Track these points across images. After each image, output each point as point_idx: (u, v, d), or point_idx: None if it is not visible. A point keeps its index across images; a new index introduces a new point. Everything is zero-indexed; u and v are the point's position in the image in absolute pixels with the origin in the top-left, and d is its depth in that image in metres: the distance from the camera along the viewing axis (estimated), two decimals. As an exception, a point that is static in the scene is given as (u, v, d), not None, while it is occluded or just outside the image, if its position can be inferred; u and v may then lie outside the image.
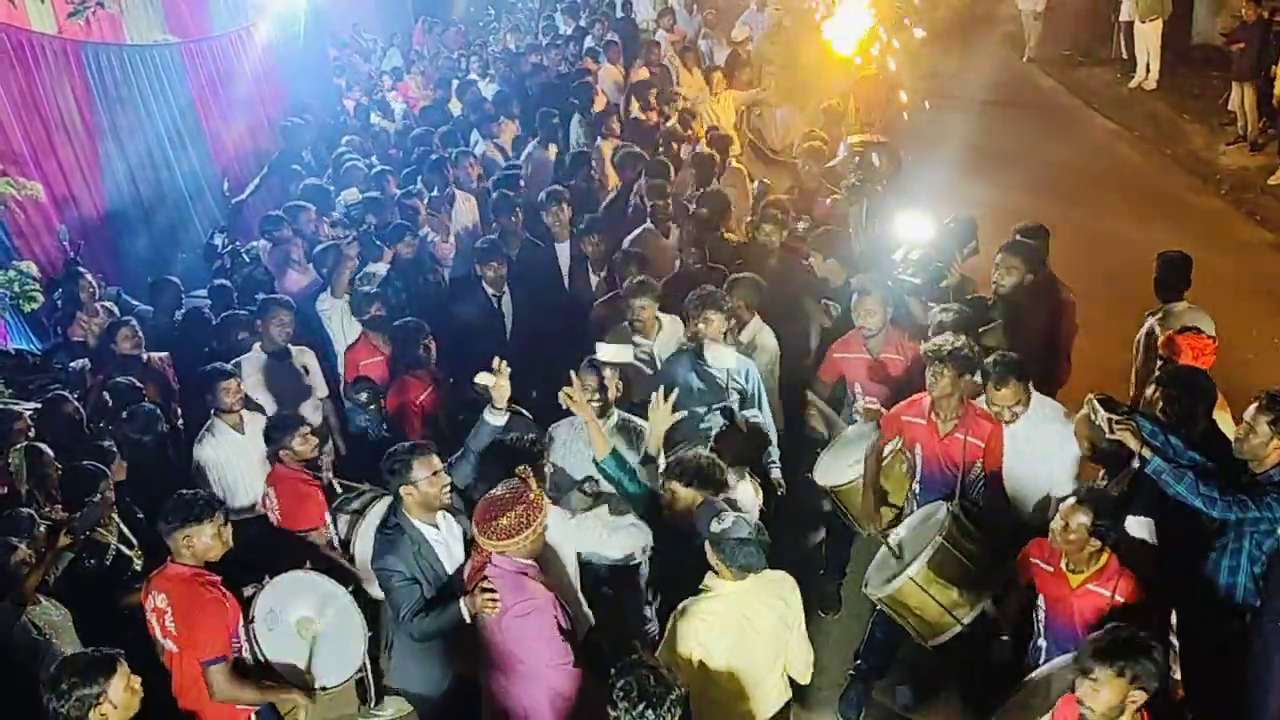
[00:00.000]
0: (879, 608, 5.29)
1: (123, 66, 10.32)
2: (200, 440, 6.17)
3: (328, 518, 5.70)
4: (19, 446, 5.71)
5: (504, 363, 5.00)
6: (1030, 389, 5.35)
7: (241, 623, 4.65)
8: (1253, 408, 4.53)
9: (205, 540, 4.55)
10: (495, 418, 4.99)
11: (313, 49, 14.07)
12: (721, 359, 5.80)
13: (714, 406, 5.89)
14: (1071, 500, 4.43)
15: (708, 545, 4.15)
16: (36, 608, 4.63)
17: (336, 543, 5.64)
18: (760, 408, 6.04)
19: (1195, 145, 13.69)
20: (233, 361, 6.66)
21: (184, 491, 4.68)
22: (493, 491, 4.32)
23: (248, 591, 4.78)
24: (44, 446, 5.70)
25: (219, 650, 4.47)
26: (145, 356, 7.15)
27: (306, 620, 4.81)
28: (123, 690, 3.81)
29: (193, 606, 4.47)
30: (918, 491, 5.56)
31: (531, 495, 4.29)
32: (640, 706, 3.40)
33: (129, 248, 9.89)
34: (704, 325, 5.93)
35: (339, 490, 5.82)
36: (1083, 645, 3.87)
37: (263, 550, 5.45)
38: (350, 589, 5.07)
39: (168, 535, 4.55)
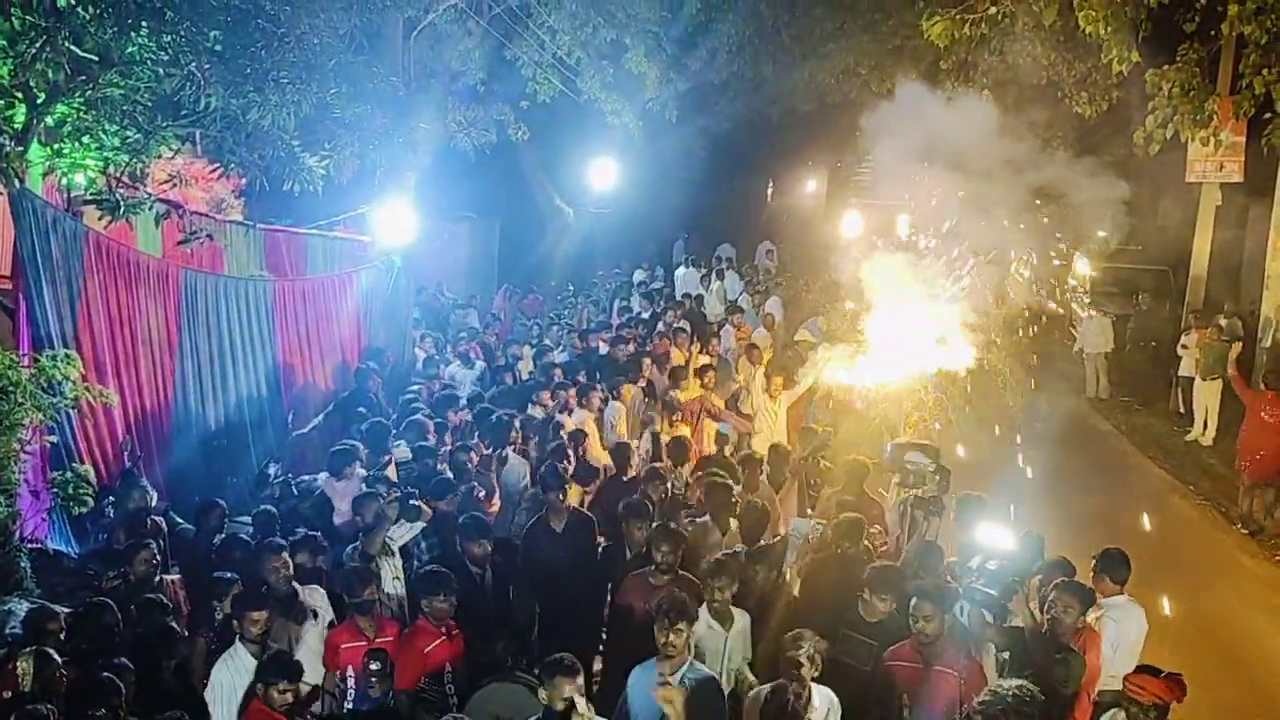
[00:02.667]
0: None
1: (215, 294, 10.83)
2: (221, 662, 6.19)
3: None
4: (28, 651, 5.71)
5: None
6: None
7: None
8: None
9: None
10: None
11: (399, 301, 14.68)
12: None
13: None
14: None
15: None
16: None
17: None
18: None
19: (1249, 506, 13.58)
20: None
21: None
22: None
23: None
24: (53, 653, 5.69)
25: None
26: (159, 578, 7.22)
27: None
28: None
29: None
30: None
31: None
32: None
33: (185, 466, 10.08)
34: None
35: None
36: None
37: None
38: None
39: None
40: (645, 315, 17.63)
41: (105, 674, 5.45)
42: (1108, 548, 7.30)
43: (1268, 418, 12.58)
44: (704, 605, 6.57)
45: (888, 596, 6.56)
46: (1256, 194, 19.04)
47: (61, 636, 6.01)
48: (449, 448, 9.83)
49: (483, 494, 8.96)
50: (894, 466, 8.98)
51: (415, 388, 12.42)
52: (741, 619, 6.76)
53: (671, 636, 5.80)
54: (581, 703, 5.20)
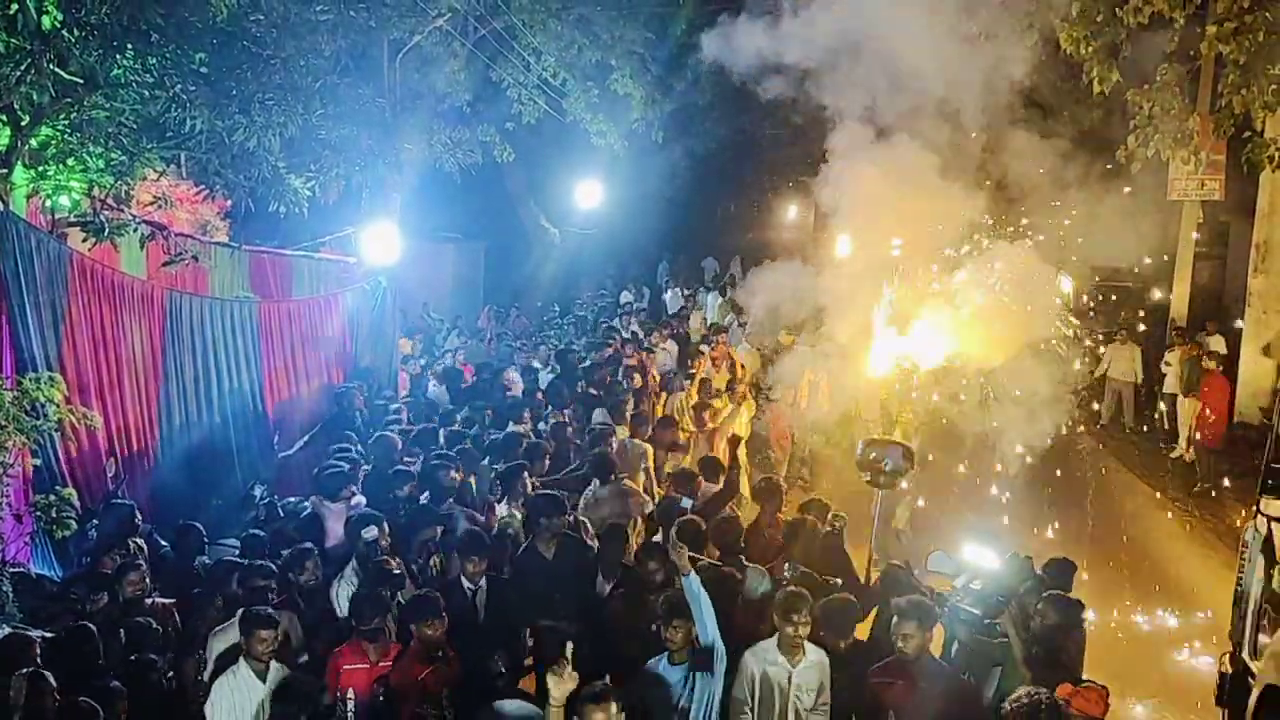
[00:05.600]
0: None
1: (200, 315, 10.80)
2: (222, 678, 6.16)
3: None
4: (23, 672, 5.67)
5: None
6: None
7: None
8: None
9: None
10: None
11: (385, 322, 14.66)
12: None
13: None
14: None
15: None
16: None
17: None
18: None
19: (1233, 521, 13.65)
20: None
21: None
22: None
23: None
24: (49, 676, 5.66)
25: None
26: (150, 601, 7.17)
27: None
28: None
29: None
30: None
31: None
32: None
33: (169, 488, 10.03)
34: None
35: None
36: None
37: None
38: None
39: None
40: (627, 335, 17.76)
41: (89, 699, 5.41)
42: (1053, 557, 7.57)
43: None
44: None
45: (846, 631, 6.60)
46: (1238, 211, 19.20)
47: (38, 661, 5.94)
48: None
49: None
50: (864, 465, 8.77)
51: (396, 407, 12.39)
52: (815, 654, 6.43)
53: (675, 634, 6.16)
54: None
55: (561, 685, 5.02)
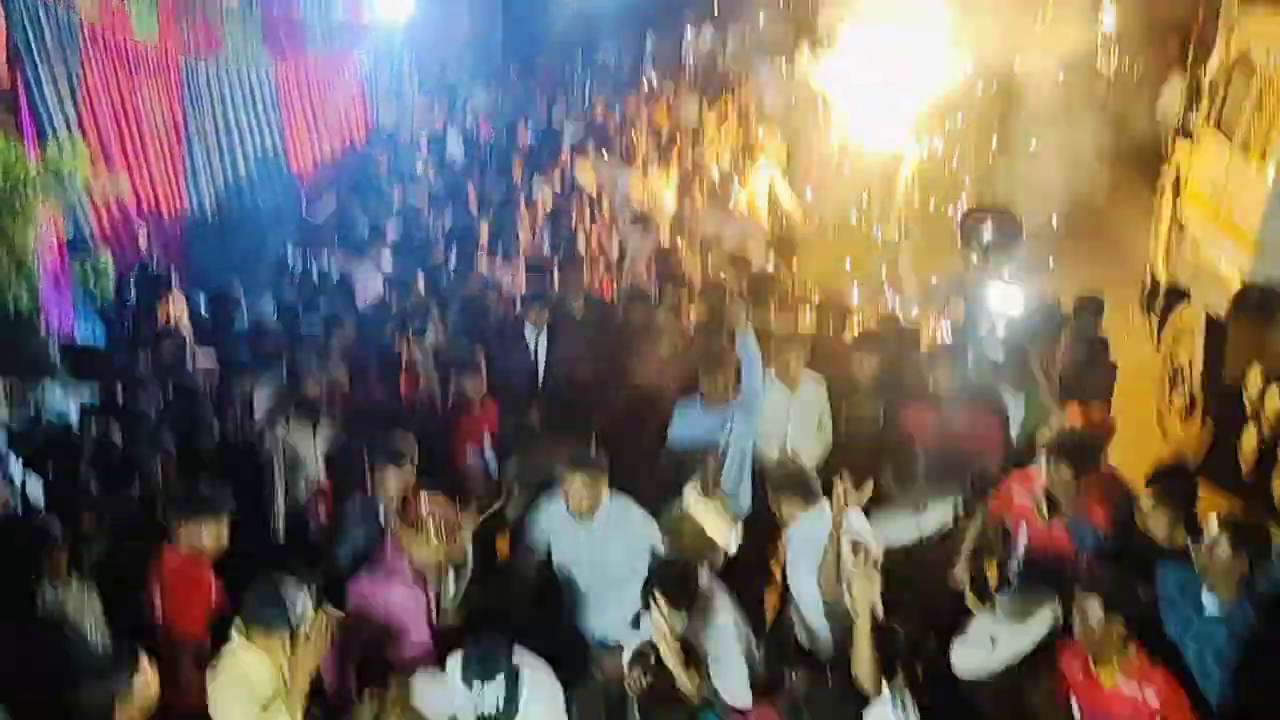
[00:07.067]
0: None
1: (217, 79, 10.68)
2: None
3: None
4: (92, 419, 6.00)
5: None
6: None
7: None
8: (1213, 527, 4.40)
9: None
10: None
11: (403, 83, 14.40)
12: None
13: None
14: (1081, 590, 4.18)
15: None
16: (67, 589, 4.74)
17: None
18: None
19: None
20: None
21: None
22: None
23: None
24: (116, 428, 5.95)
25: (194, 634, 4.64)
26: (191, 364, 7.34)
27: None
28: (144, 685, 3.90)
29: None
30: (1017, 570, 5.50)
31: None
32: None
33: (201, 254, 10.16)
34: None
35: None
36: None
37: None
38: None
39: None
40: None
41: (138, 450, 5.69)
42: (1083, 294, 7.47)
43: None
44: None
45: (873, 360, 6.69)
46: None
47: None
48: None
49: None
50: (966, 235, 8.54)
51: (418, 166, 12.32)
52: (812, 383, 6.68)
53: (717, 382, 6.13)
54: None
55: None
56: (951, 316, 8.07)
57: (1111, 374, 7.01)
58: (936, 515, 5.67)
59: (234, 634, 4.24)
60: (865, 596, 4.15)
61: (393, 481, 5.31)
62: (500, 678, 3.99)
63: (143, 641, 4.16)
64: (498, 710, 3.99)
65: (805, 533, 5.10)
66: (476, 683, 4.00)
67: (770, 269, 8.84)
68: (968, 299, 7.77)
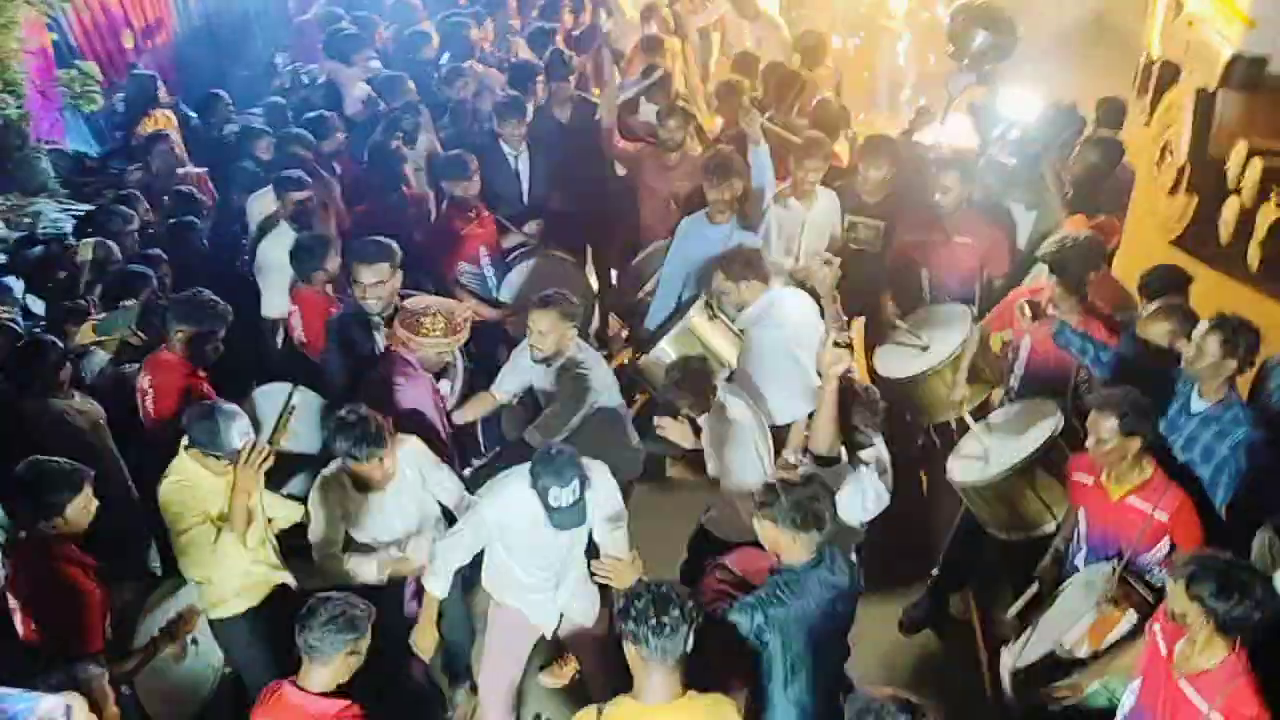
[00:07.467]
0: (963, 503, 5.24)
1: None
2: (268, 239, 6.22)
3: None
4: (90, 240, 5.98)
5: None
6: None
7: None
8: (1203, 326, 4.38)
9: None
10: None
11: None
12: None
13: None
14: (1095, 408, 4.18)
15: None
16: (70, 400, 4.89)
17: None
18: None
19: None
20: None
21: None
22: None
23: None
24: (114, 245, 5.97)
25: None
26: (183, 170, 7.28)
27: None
28: (80, 509, 3.97)
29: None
30: (1018, 385, 5.49)
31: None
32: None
33: (190, 59, 9.95)
34: None
35: None
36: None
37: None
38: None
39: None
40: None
41: (136, 265, 5.72)
42: (1105, 96, 7.32)
43: None
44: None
45: (882, 165, 6.41)
46: None
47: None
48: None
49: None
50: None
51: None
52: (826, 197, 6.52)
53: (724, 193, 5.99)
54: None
55: None
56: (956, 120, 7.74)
57: (1130, 181, 6.81)
58: (944, 348, 5.66)
59: (182, 449, 4.42)
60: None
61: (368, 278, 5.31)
62: (575, 482, 4.18)
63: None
64: (573, 502, 4.21)
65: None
66: (554, 489, 4.16)
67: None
68: (974, 109, 7.45)
